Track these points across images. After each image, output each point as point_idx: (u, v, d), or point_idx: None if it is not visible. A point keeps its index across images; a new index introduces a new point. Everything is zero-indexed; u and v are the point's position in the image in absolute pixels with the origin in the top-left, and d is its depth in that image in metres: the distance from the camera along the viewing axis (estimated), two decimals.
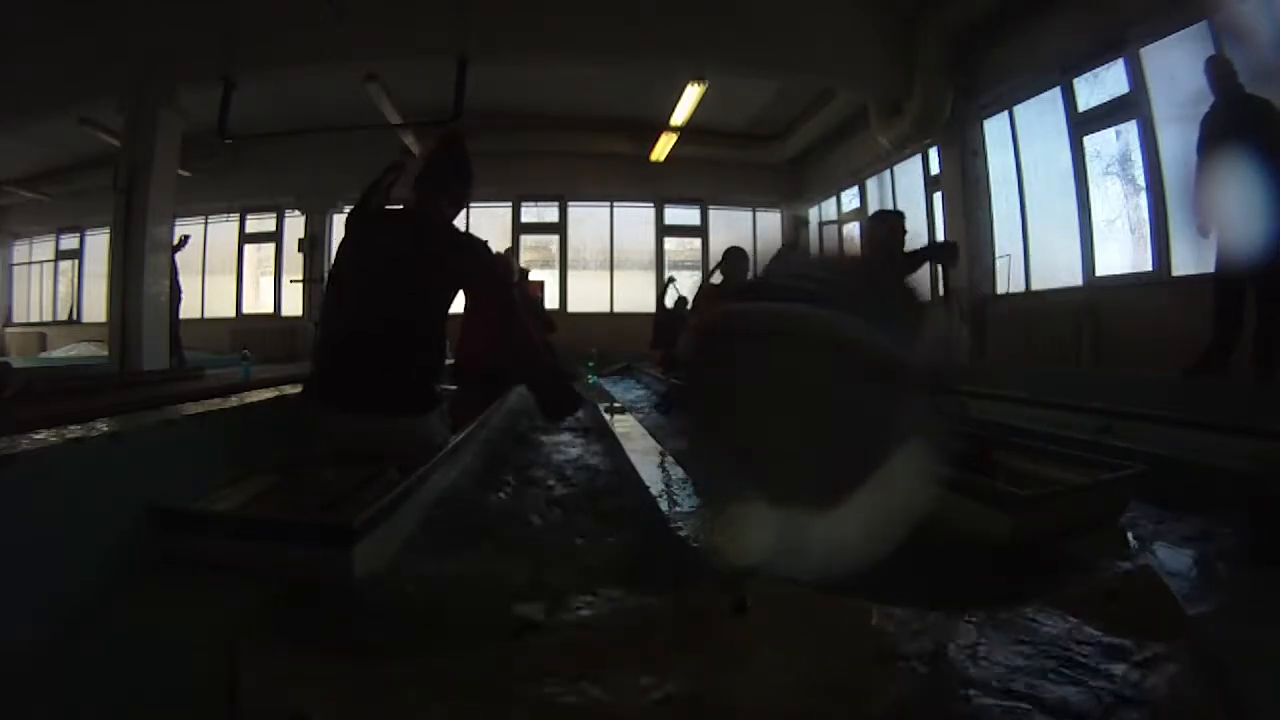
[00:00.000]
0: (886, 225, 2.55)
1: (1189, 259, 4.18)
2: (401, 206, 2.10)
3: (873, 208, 8.13)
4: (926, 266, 2.70)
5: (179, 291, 6.13)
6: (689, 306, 7.32)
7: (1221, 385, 3.21)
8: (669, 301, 7.12)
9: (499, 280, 2.15)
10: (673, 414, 3.44)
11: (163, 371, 4.84)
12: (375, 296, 1.90)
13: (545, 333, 4.07)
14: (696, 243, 9.95)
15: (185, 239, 6.47)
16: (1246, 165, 3.02)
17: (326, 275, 2.17)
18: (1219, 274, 3.36)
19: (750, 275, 3.84)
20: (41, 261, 10.42)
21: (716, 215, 9.97)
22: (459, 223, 2.21)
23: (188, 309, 6.80)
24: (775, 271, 1.90)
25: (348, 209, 8.40)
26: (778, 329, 0.93)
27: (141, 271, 5.32)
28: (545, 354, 2.30)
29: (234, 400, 2.16)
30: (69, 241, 10.10)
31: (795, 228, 5.00)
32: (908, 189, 7.35)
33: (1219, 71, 3.35)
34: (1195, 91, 3.56)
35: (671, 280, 7.41)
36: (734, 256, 3.76)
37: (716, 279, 3.95)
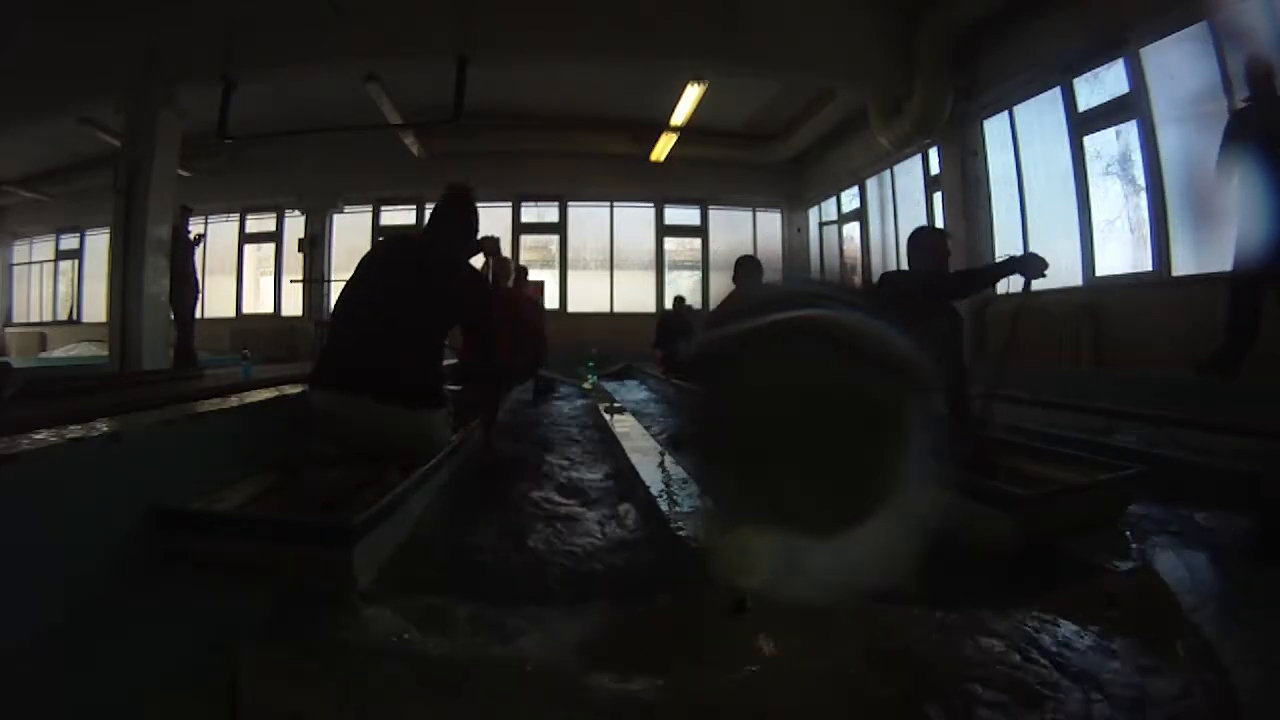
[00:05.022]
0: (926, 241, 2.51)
1: (1189, 259, 4.18)
2: (426, 242, 2.29)
3: (873, 208, 8.13)
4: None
5: (198, 289, 6.09)
6: (687, 305, 7.37)
7: (1221, 385, 3.20)
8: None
9: (486, 314, 2.39)
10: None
11: (163, 371, 4.84)
12: (392, 304, 2.01)
13: (538, 348, 4.10)
14: (696, 243, 9.94)
15: (200, 237, 6.43)
16: (1271, 169, 2.98)
17: (341, 280, 2.36)
18: (1235, 276, 3.30)
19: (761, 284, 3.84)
20: (41, 261, 10.41)
21: (716, 215, 9.96)
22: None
23: None
24: (766, 290, 1.91)
25: (349, 209, 8.36)
26: (777, 334, 0.93)
27: (141, 271, 5.33)
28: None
29: (234, 400, 2.16)
30: (69, 241, 10.08)
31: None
32: (908, 189, 7.35)
33: (1256, 72, 3.30)
34: (1195, 91, 3.54)
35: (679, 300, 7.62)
36: (745, 266, 3.74)
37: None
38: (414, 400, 1.99)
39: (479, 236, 2.46)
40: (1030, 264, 2.36)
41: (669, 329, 6.73)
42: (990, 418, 2.31)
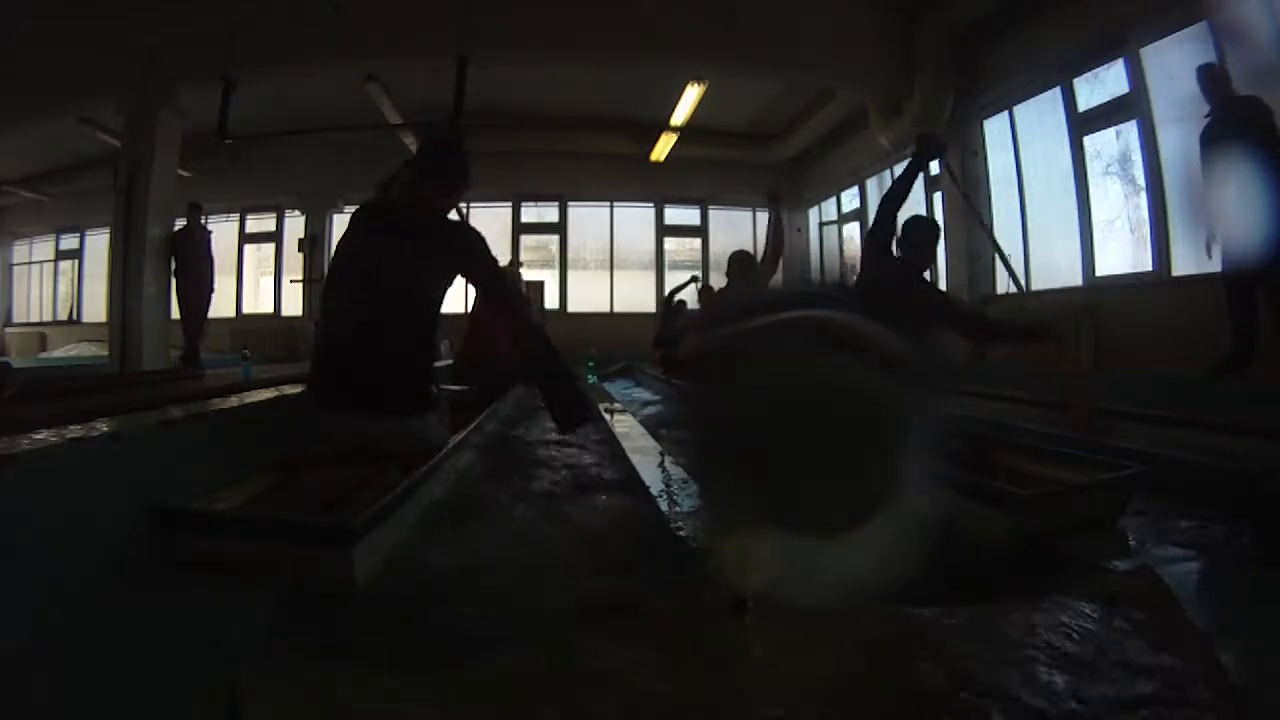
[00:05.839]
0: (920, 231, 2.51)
1: (1189, 259, 4.18)
2: (396, 202, 2.11)
3: (872, 208, 8.11)
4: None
5: (212, 286, 6.10)
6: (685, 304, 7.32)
7: (1222, 386, 3.20)
8: (686, 295, 7.06)
9: (494, 269, 2.15)
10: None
11: (163, 371, 4.84)
12: (369, 295, 1.91)
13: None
14: (696, 243, 9.95)
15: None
16: (1247, 165, 3.02)
17: (325, 272, 2.19)
18: (1227, 277, 3.33)
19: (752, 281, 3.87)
20: (41, 261, 10.42)
21: (716, 215, 9.98)
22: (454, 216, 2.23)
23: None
24: (764, 291, 1.91)
25: (348, 209, 8.35)
26: (777, 334, 0.93)
27: (141, 271, 5.33)
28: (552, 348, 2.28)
29: (234, 400, 2.16)
30: (69, 241, 10.09)
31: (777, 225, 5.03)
32: None
33: (1211, 78, 3.36)
34: (1195, 92, 3.56)
35: (695, 279, 7.19)
36: (738, 262, 3.75)
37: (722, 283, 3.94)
38: (405, 406, 1.94)
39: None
40: (927, 143, 2.48)
41: (674, 326, 6.71)
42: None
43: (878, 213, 2.50)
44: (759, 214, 10.02)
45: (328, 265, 2.19)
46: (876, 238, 2.45)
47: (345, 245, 2.06)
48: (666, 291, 7.75)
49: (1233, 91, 3.32)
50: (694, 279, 7.27)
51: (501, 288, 2.23)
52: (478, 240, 2.07)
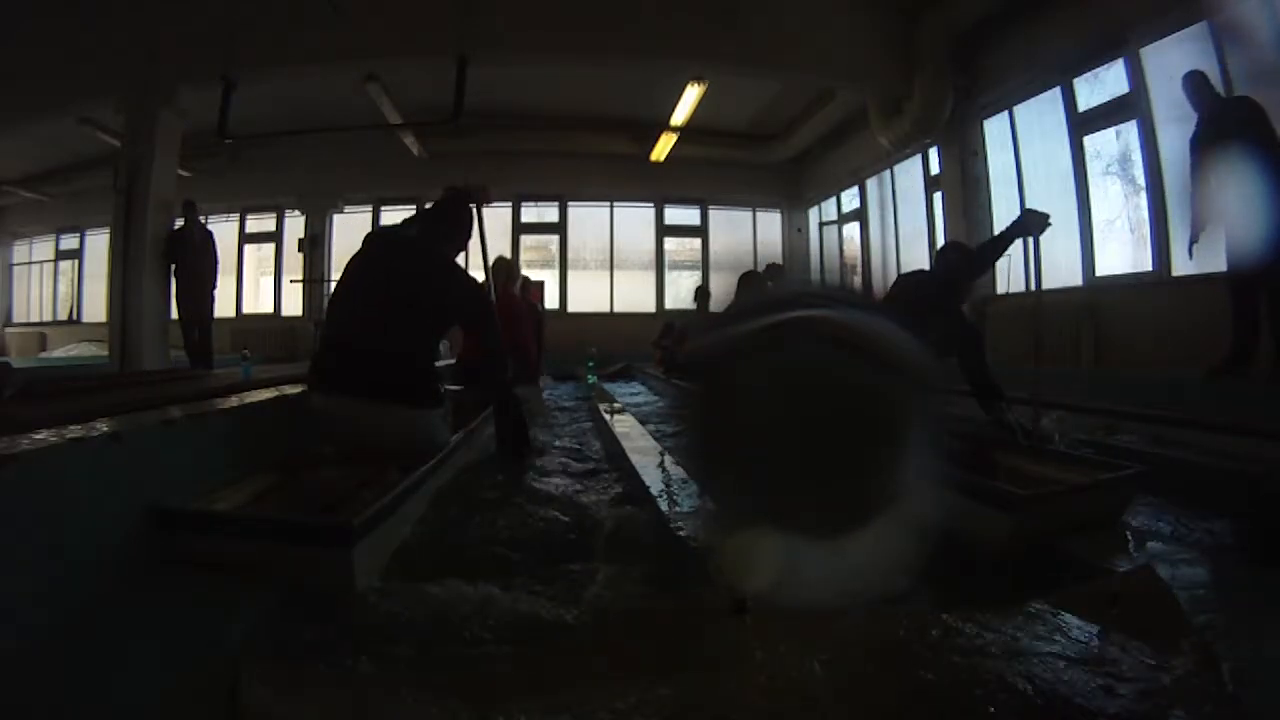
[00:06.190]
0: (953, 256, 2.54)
1: (1188, 259, 4.18)
2: (413, 237, 2.28)
3: (873, 208, 8.12)
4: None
5: (215, 284, 6.11)
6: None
7: (1222, 386, 3.20)
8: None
9: (487, 319, 2.37)
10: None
11: (162, 371, 4.84)
12: (377, 301, 1.99)
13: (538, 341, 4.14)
14: (696, 243, 9.94)
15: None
16: (1241, 165, 3.03)
17: (335, 280, 2.35)
18: (1230, 276, 3.34)
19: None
20: (41, 261, 10.40)
21: (716, 215, 9.96)
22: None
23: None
24: (765, 292, 1.91)
25: (349, 209, 8.32)
26: (778, 334, 0.92)
27: (141, 271, 5.33)
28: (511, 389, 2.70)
29: (234, 400, 2.16)
30: (69, 241, 10.08)
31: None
32: (908, 189, 7.35)
33: (1195, 85, 3.39)
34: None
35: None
36: (747, 282, 3.79)
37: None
38: (410, 399, 1.99)
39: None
40: (1031, 221, 2.45)
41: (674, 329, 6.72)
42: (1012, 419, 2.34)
43: (962, 269, 2.59)
44: (759, 214, 10.01)
45: (332, 275, 2.35)
46: (935, 280, 2.43)
47: (356, 262, 2.16)
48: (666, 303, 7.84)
49: (1218, 96, 3.35)
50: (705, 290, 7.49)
51: (490, 328, 2.38)
52: (475, 291, 2.30)
